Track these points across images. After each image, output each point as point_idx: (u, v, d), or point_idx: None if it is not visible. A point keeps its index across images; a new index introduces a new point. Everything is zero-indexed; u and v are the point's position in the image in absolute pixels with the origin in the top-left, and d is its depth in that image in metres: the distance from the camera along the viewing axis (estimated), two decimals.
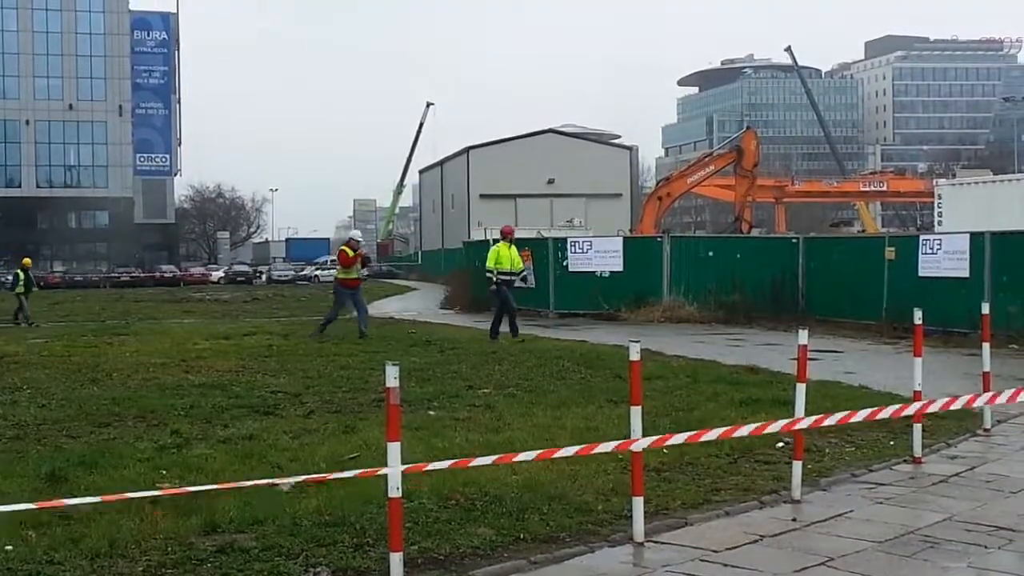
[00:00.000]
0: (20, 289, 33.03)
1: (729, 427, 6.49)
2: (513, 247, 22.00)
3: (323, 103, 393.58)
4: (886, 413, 7.00)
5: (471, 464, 5.66)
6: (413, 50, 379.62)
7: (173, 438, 10.48)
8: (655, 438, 6.44)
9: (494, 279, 21.48)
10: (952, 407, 7.46)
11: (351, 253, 23.08)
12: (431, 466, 5.64)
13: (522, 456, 5.72)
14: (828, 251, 27.20)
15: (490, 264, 21.71)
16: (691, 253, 29.43)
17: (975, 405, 7.95)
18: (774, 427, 6.59)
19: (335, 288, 24.16)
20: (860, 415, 6.92)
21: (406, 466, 5.57)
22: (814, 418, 7.03)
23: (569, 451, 5.85)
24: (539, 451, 5.82)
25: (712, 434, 6.30)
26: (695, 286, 28.00)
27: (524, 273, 22.62)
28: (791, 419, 6.85)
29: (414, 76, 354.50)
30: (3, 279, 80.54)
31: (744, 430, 6.38)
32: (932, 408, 7.44)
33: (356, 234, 24.67)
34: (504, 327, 21.71)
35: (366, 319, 23.23)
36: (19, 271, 34.18)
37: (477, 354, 18.56)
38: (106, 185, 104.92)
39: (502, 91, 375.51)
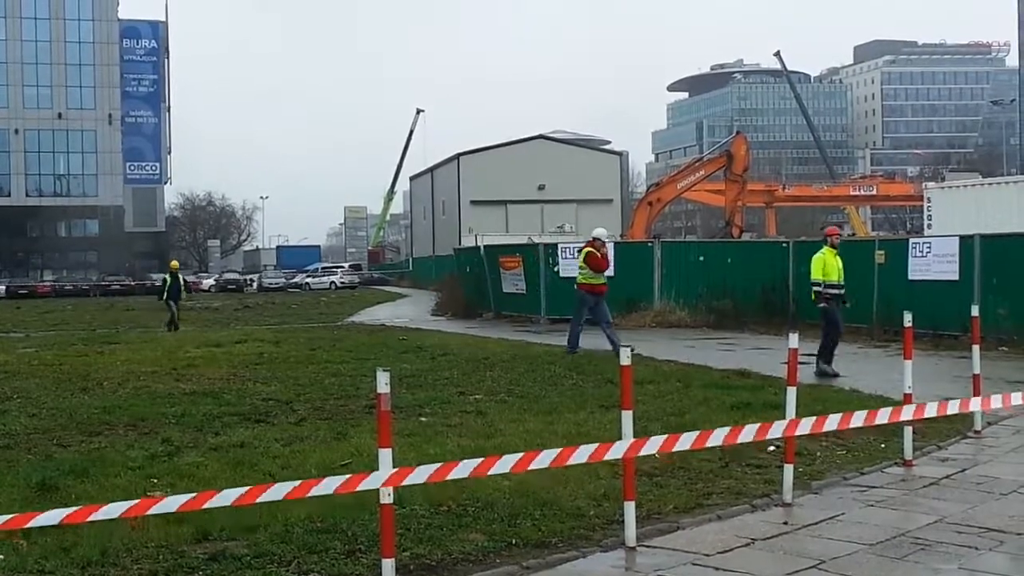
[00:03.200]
0: (165, 296, 31.62)
1: (704, 431, 6.46)
2: (839, 256, 17.13)
3: (313, 111, 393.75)
4: (858, 420, 7.02)
5: (449, 477, 5.63)
6: (403, 58, 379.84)
7: (164, 446, 10.47)
8: (631, 441, 6.40)
9: (824, 294, 16.66)
10: (925, 414, 7.46)
11: (599, 254, 19.85)
12: (406, 481, 5.61)
13: (496, 468, 5.69)
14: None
15: (816, 275, 16.78)
16: (682, 258, 29.48)
17: (948, 412, 7.95)
18: (747, 434, 6.58)
19: (578, 295, 20.10)
20: (832, 420, 6.92)
21: (384, 477, 5.55)
22: (786, 423, 7.02)
23: (545, 461, 5.82)
24: (516, 459, 5.77)
25: (686, 441, 6.27)
26: (686, 291, 28.04)
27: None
28: (761, 423, 6.82)
29: (404, 83, 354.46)
30: None
31: (718, 436, 6.36)
32: (903, 416, 7.44)
33: (601, 232, 20.78)
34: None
35: (614, 331, 19.66)
36: (166, 276, 32.54)
37: (468, 360, 18.56)
38: (96, 194, 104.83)
39: (492, 97, 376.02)
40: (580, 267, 20.03)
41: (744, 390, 13.89)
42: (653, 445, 6.29)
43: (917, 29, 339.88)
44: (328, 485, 5.25)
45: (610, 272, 29.01)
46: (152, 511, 4.85)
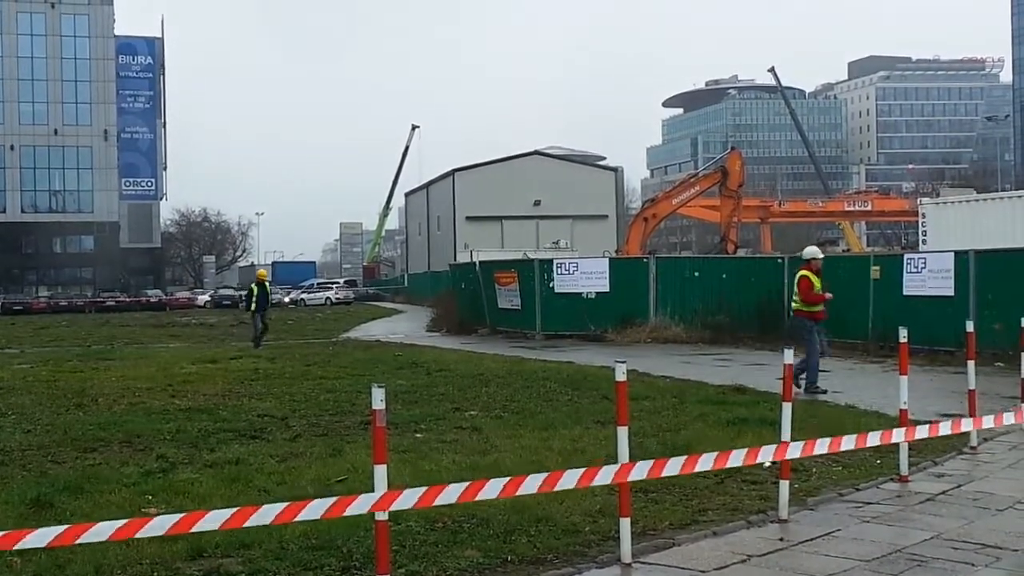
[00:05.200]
0: (252, 307, 29.54)
1: (694, 455, 6.46)
2: None
3: (309, 127, 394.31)
4: (848, 443, 7.01)
5: (435, 503, 5.61)
6: (400, 74, 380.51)
7: (159, 463, 10.45)
8: (619, 467, 6.39)
9: None
10: (916, 436, 7.47)
11: (819, 283, 16.47)
12: (394, 506, 5.59)
13: (484, 494, 5.67)
14: None
15: None
16: (677, 274, 29.51)
17: (940, 433, 7.95)
18: (735, 458, 6.57)
19: (798, 324, 16.74)
20: (822, 444, 6.92)
21: (373, 501, 5.52)
22: (774, 448, 7.01)
23: (533, 486, 5.80)
24: (505, 482, 5.75)
25: (674, 467, 6.27)
26: (681, 307, 28.06)
27: None
28: (750, 448, 6.82)
29: (400, 99, 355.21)
30: None
31: (707, 461, 6.36)
32: (894, 438, 7.45)
33: (814, 251, 17.06)
34: None
35: (817, 368, 16.36)
36: (253, 285, 30.29)
37: (464, 376, 18.56)
38: (91, 210, 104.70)
39: (487, 113, 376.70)
40: (795, 295, 16.80)
41: (740, 406, 13.89)
42: (642, 470, 6.28)
43: (911, 45, 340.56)
44: (316, 509, 5.23)
45: (604, 288, 29.40)
46: (140, 534, 4.83)
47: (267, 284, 30.62)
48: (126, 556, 6.89)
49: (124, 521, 4.86)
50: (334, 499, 5.34)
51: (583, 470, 6.04)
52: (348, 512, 5.34)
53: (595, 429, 12.06)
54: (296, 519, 5.19)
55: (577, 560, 7.01)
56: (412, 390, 16.36)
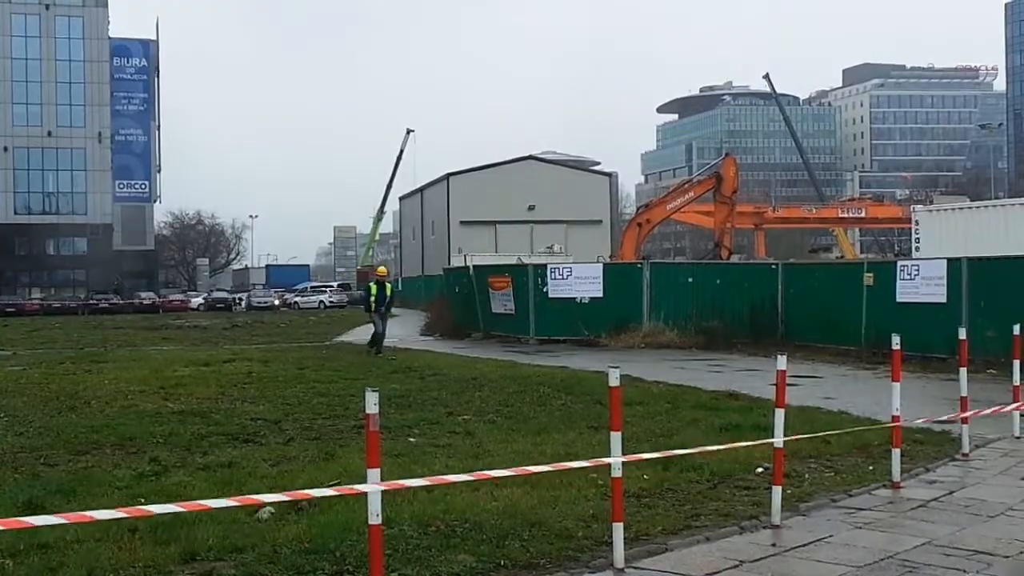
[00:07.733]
0: (372, 307, 26.77)
1: (698, 447, 6.47)
2: None
3: (303, 130, 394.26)
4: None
5: (439, 483, 5.60)
6: (395, 78, 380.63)
7: (152, 466, 10.43)
8: (619, 458, 6.41)
9: None
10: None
11: None
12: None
13: (491, 474, 5.67)
14: (807, 277, 27.33)
15: None
16: (671, 279, 29.54)
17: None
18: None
19: None
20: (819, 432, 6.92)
21: (382, 493, 5.52)
22: (782, 439, 7.02)
23: (537, 470, 5.82)
24: (511, 471, 5.76)
25: (674, 450, 6.28)
26: (675, 312, 28.08)
27: None
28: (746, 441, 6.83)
29: (395, 103, 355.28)
30: None
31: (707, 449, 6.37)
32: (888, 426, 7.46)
33: None
34: None
35: None
36: (371, 283, 27.49)
37: (457, 380, 18.55)
38: (85, 212, 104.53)
39: (482, 119, 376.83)
40: None
41: (733, 412, 13.91)
42: (644, 457, 6.30)
43: (906, 53, 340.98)
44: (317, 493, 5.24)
45: (598, 293, 29.46)
46: (140, 515, 4.85)
47: (388, 283, 27.59)
48: (118, 559, 6.88)
49: (123, 513, 4.87)
50: (332, 489, 5.35)
51: (584, 463, 6.04)
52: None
53: (588, 434, 12.06)
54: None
55: (570, 565, 7.01)
56: (405, 394, 16.35)
